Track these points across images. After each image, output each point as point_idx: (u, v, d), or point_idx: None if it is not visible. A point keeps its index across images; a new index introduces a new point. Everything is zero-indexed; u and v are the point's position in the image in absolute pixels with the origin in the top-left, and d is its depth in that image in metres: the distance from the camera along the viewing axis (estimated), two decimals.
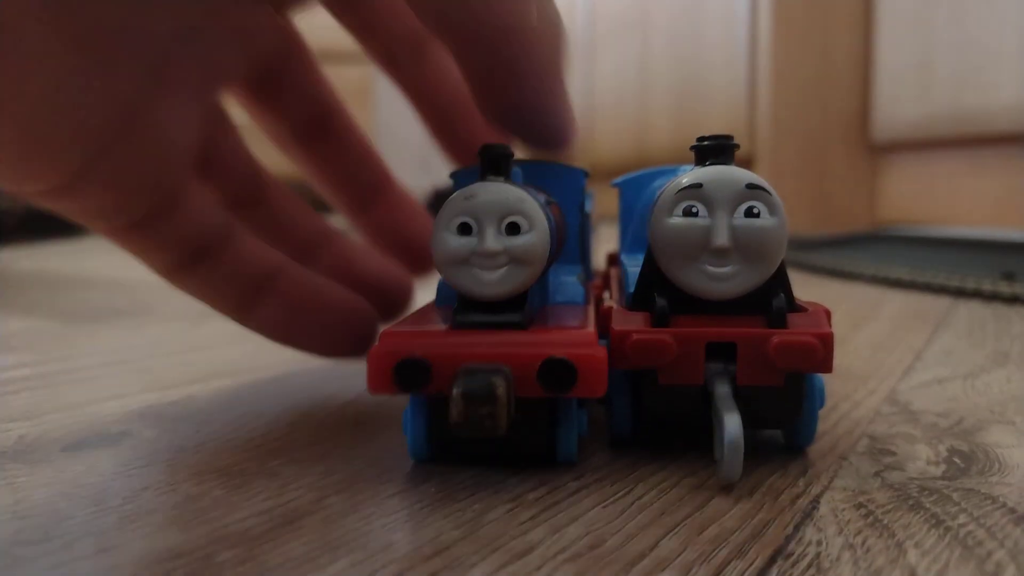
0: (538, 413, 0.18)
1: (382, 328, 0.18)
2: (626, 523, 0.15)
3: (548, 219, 0.18)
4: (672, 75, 1.21)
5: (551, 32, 0.19)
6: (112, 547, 0.14)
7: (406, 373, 0.16)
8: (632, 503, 0.16)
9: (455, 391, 0.15)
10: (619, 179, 0.27)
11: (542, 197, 0.19)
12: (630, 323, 0.18)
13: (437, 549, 0.14)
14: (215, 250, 0.22)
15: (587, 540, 0.14)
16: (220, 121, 0.24)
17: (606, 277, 0.28)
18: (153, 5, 0.18)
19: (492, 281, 0.17)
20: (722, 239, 0.17)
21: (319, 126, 0.26)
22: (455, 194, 0.17)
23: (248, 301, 0.23)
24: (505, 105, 0.19)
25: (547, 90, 0.19)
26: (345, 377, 0.27)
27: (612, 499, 0.16)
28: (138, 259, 0.22)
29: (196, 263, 0.22)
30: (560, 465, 0.18)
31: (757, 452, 0.19)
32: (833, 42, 0.95)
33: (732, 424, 0.16)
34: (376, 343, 0.17)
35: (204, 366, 0.29)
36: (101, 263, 0.73)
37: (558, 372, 0.16)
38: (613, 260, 0.31)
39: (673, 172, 0.25)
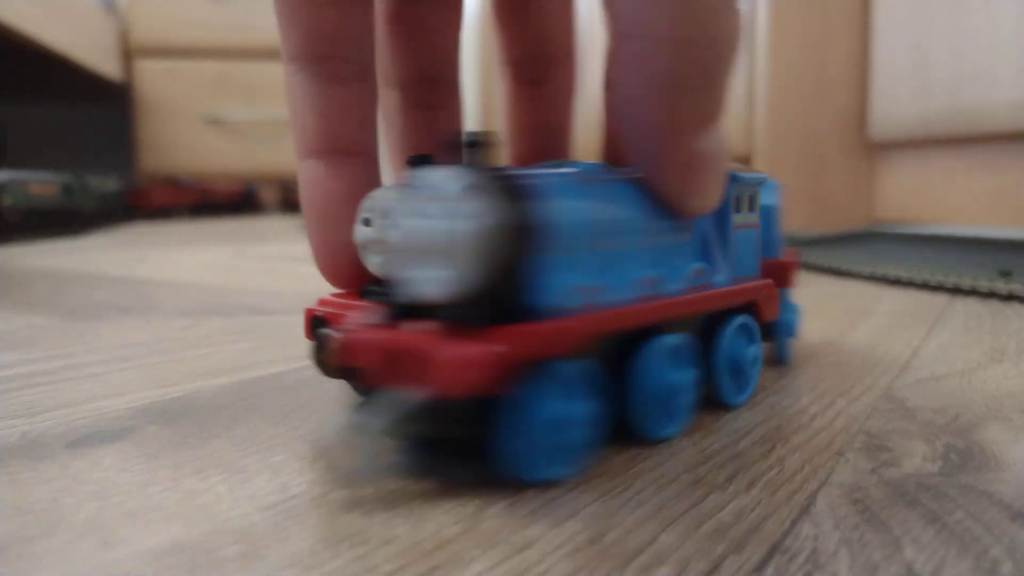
0: None
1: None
2: (625, 518, 0.15)
3: None
4: None
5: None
6: (115, 542, 0.14)
7: None
8: (631, 498, 0.16)
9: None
10: None
11: None
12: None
13: (438, 544, 0.14)
14: None
15: (586, 535, 0.15)
16: None
17: None
18: None
19: None
20: None
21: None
22: None
23: None
24: None
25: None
26: None
27: (611, 494, 0.16)
28: None
29: None
30: None
31: (756, 445, 0.19)
32: (830, 40, 0.95)
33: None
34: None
35: (207, 362, 0.29)
36: (105, 260, 0.74)
37: None
38: None
39: None
